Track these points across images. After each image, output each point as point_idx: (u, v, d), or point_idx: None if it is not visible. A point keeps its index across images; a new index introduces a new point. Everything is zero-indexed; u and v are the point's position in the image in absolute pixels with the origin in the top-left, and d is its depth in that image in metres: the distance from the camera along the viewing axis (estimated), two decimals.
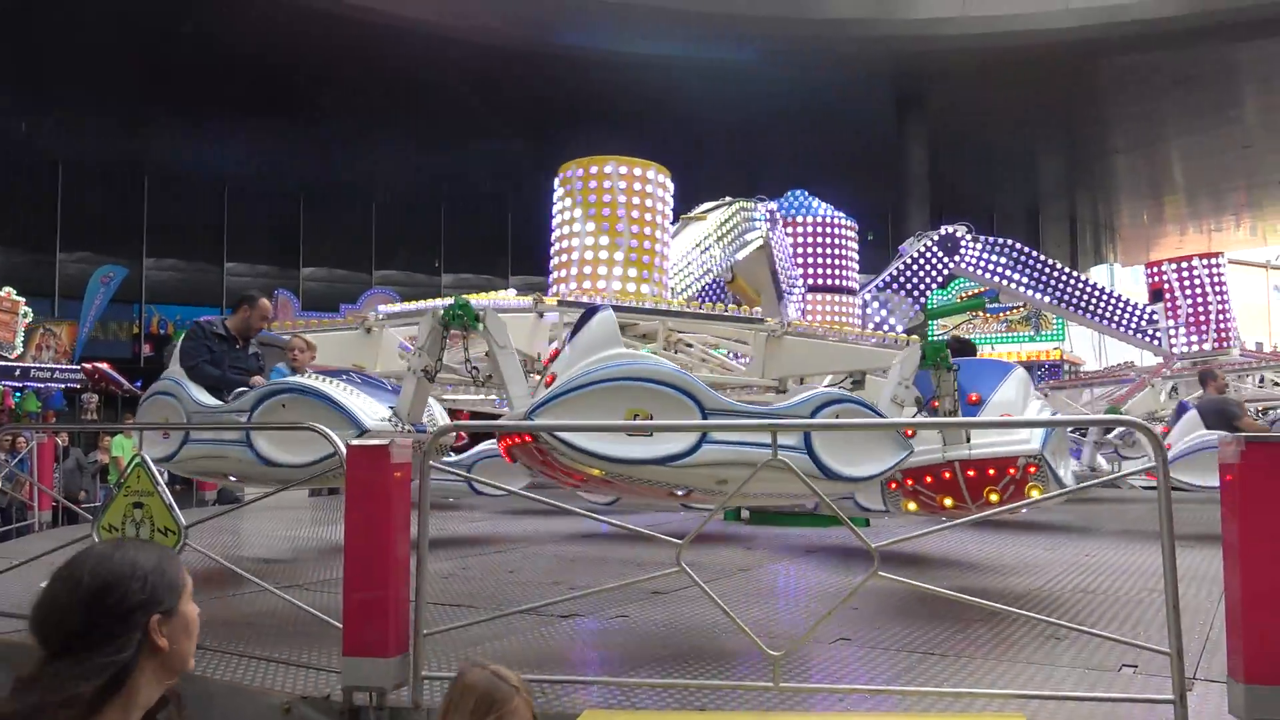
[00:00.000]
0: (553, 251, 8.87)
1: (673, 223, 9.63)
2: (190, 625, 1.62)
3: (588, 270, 8.53)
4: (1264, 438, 3.17)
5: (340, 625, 3.57)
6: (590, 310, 4.73)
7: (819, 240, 11.39)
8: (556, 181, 8.98)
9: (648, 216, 8.71)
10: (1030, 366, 20.31)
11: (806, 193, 11.61)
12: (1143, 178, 31.83)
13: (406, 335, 7.52)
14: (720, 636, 4.58)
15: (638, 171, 8.69)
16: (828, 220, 11.36)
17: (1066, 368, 21.11)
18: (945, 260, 11.56)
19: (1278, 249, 49.83)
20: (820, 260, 11.42)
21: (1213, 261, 10.61)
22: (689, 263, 10.05)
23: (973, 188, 29.10)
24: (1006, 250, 11.83)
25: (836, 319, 11.13)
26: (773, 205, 10.90)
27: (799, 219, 11.37)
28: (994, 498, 5.39)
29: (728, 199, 10.62)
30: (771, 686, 3.40)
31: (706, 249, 10.26)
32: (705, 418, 4.28)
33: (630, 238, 8.58)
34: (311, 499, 12.36)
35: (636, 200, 8.64)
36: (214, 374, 5.91)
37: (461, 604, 5.34)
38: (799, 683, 3.64)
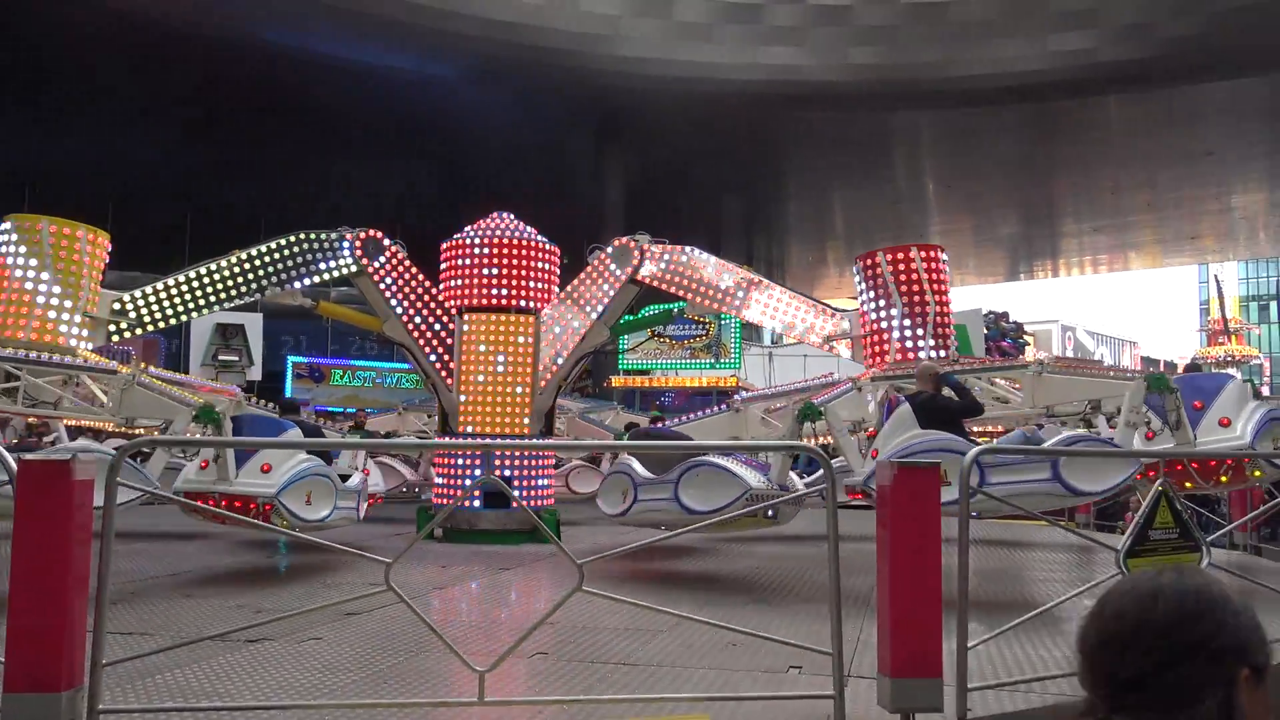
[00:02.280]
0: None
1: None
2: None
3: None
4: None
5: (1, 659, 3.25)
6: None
7: (522, 262, 11.55)
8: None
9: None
10: (709, 392, 21.67)
11: (513, 216, 11.77)
12: (809, 223, 34.97)
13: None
14: (420, 655, 4.59)
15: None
16: (532, 243, 11.55)
17: (744, 394, 22.73)
18: (617, 271, 11.90)
19: None
20: (519, 281, 11.57)
21: (932, 255, 9.84)
22: None
23: (664, 221, 30.63)
24: (687, 253, 11.79)
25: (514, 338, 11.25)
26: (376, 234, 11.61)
27: (502, 240, 11.50)
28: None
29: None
30: (475, 702, 3.47)
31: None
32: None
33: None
34: None
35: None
36: None
37: (135, 632, 4.96)
38: (503, 697, 3.74)
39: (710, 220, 33.51)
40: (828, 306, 11.69)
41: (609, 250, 12.00)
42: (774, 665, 4.36)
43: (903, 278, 9.61)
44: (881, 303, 9.65)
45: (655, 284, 12.03)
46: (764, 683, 4.14)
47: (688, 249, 11.96)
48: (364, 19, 19.22)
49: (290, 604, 6.05)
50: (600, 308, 11.75)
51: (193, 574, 7.39)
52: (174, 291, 10.74)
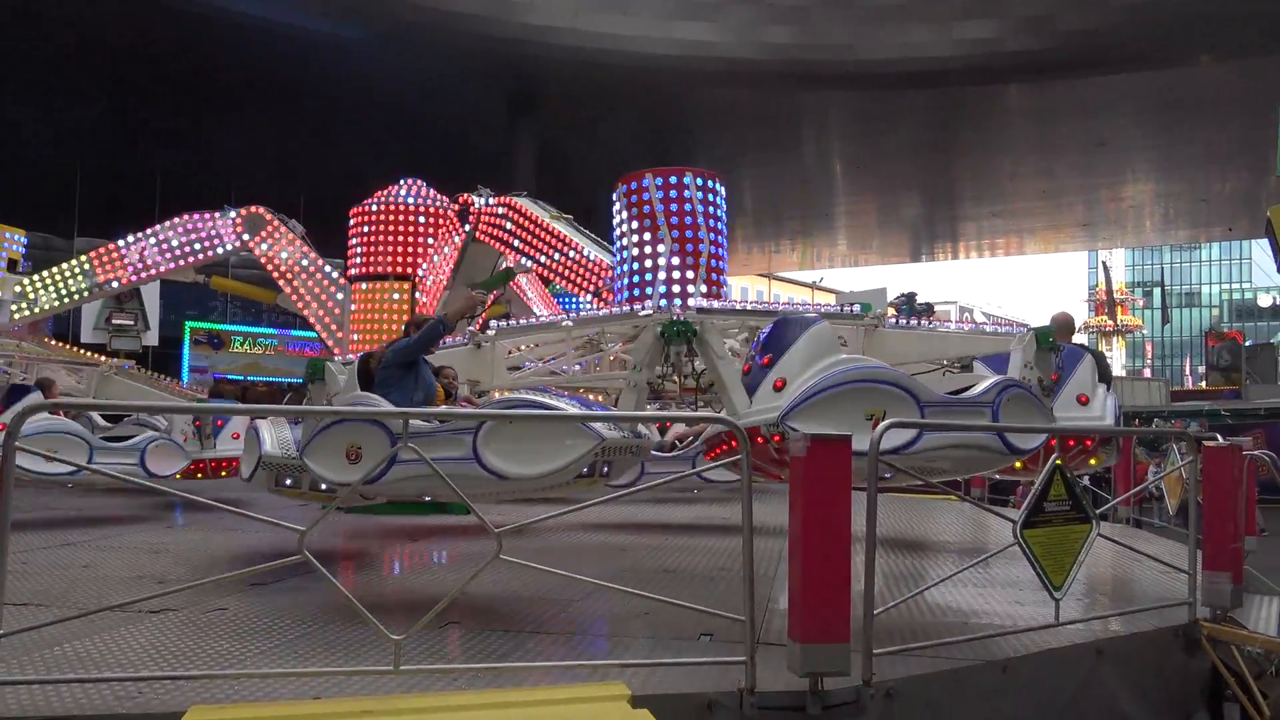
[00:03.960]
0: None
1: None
2: None
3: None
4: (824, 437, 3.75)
5: None
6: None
7: (401, 229, 11.51)
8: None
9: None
10: None
11: (421, 182, 11.61)
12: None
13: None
14: (332, 625, 4.54)
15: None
16: (412, 208, 11.47)
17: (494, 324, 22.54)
18: (460, 228, 11.98)
19: (821, 272, 57.68)
20: (397, 248, 11.51)
21: (710, 185, 8.34)
22: None
23: (576, 193, 30.52)
24: (509, 214, 11.49)
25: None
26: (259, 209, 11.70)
27: (413, 206, 11.36)
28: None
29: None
30: (391, 670, 3.46)
31: None
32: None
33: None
34: None
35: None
36: None
37: (31, 603, 4.79)
38: (418, 665, 3.73)
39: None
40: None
41: (454, 208, 12.00)
42: (686, 633, 4.44)
43: (674, 207, 8.26)
44: (646, 236, 8.19)
45: (487, 241, 11.72)
46: (677, 649, 4.22)
47: (510, 207, 11.72)
48: None
49: (193, 575, 5.91)
50: (449, 266, 11.86)
51: (88, 544, 7.15)
52: (68, 275, 11.33)
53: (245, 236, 11.46)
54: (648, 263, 7.98)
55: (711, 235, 8.31)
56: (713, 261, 8.27)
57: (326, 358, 6.99)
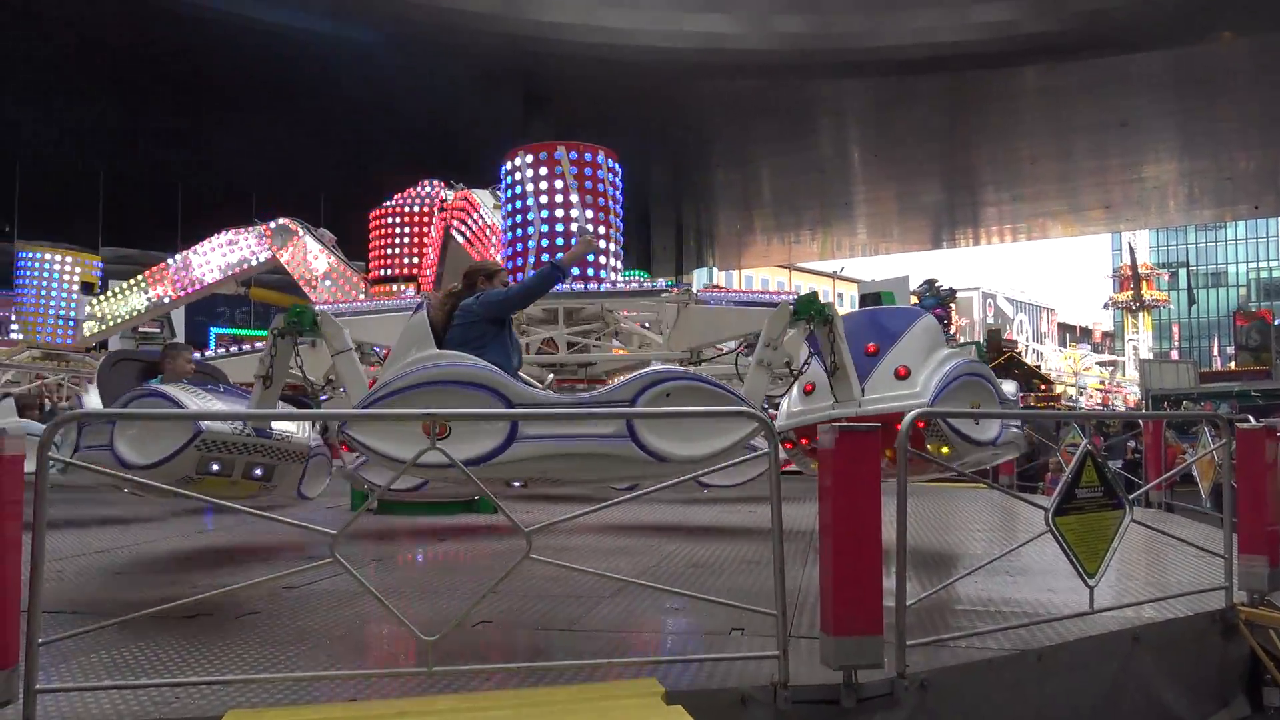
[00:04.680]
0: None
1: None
2: None
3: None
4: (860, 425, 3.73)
5: None
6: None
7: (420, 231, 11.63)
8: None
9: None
10: None
11: (440, 182, 11.67)
12: (737, 192, 35.16)
13: None
14: (365, 626, 4.56)
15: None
16: (425, 212, 11.60)
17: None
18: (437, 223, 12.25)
19: (842, 262, 57.45)
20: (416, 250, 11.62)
21: (612, 165, 7.77)
22: None
23: None
24: (468, 216, 11.39)
25: None
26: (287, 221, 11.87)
27: (400, 210, 11.53)
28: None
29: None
30: (424, 671, 3.47)
31: None
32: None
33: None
34: None
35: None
36: None
37: (68, 610, 4.84)
38: (451, 665, 3.74)
39: (640, 188, 33.43)
40: None
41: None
42: (717, 628, 4.43)
43: (588, 185, 7.89)
44: (544, 213, 7.76)
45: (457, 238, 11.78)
46: (708, 645, 4.21)
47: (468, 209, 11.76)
48: None
49: (225, 580, 5.95)
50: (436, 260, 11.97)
51: (121, 550, 7.22)
52: (128, 292, 12.14)
53: (273, 247, 11.76)
54: (558, 230, 7.64)
55: (615, 218, 8.20)
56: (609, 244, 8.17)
57: (307, 304, 6.22)
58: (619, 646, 4.21)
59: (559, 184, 7.84)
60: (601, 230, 7.80)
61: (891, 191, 35.58)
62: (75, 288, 12.06)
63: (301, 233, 11.64)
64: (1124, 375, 68.02)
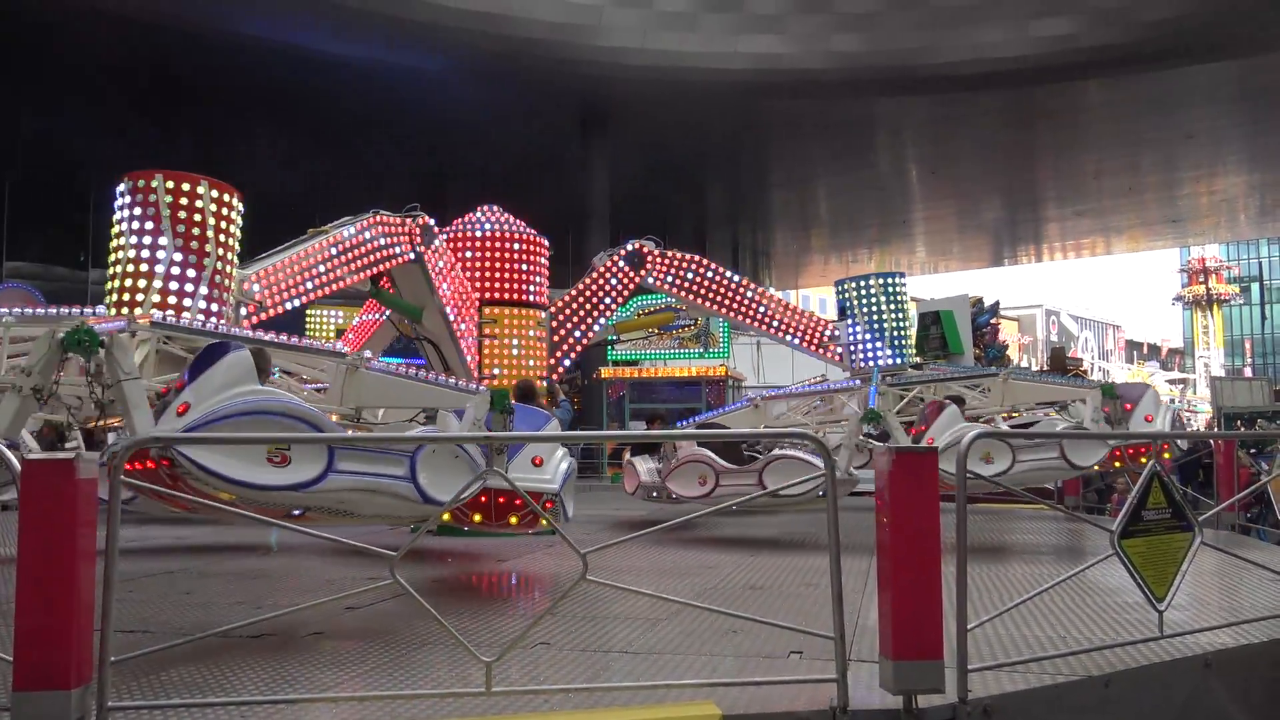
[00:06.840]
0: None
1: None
2: None
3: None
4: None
5: (9, 658, 3.26)
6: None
7: (509, 255, 11.62)
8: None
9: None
10: (700, 381, 21.79)
11: (499, 208, 11.81)
12: (794, 211, 35.05)
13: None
14: (424, 647, 4.61)
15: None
16: (519, 235, 11.61)
17: (730, 382, 22.79)
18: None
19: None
20: (507, 274, 11.64)
21: (226, 199, 8.10)
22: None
23: (648, 210, 30.74)
24: (691, 265, 12.55)
25: (524, 332, 11.41)
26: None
27: (491, 233, 11.55)
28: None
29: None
30: (483, 692, 3.50)
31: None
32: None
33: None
34: None
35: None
36: None
37: (138, 630, 4.97)
38: (509, 686, 3.77)
39: (695, 209, 33.52)
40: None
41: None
42: (775, 650, 4.41)
43: (181, 215, 7.75)
44: (157, 239, 7.65)
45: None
46: (766, 668, 4.19)
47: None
48: (342, 11, 19.11)
49: (289, 600, 6.06)
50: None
51: (188, 572, 7.39)
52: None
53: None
54: (143, 266, 7.55)
55: (220, 250, 7.91)
56: (216, 277, 7.85)
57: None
58: (676, 669, 4.21)
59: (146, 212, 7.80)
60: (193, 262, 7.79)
61: (951, 209, 35.20)
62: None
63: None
64: (1193, 393, 66.12)
